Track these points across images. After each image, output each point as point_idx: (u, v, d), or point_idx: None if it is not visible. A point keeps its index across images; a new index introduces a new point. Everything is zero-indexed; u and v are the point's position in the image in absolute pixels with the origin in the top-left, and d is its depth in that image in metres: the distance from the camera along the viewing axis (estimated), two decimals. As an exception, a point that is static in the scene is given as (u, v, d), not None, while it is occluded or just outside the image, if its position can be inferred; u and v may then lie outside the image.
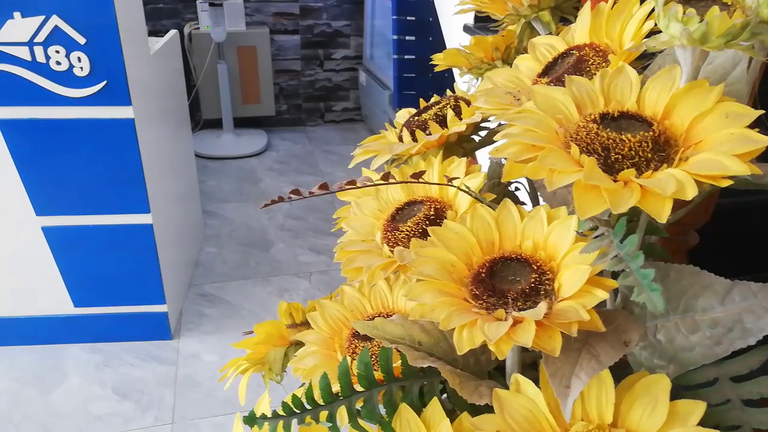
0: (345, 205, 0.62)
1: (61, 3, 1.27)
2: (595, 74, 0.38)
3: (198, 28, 3.01)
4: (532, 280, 0.34)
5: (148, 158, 1.50)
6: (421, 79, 2.16)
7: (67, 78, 1.33)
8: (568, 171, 0.30)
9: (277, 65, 3.29)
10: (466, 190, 0.45)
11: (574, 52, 0.46)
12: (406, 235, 0.49)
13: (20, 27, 1.28)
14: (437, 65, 0.74)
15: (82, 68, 1.32)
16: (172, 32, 1.85)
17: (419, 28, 2.08)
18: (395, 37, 2.08)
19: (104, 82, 1.34)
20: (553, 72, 0.47)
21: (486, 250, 0.40)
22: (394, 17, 2.07)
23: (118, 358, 1.62)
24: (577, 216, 0.33)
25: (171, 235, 1.74)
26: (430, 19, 2.05)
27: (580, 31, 0.47)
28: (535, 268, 0.35)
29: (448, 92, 0.67)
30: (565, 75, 0.39)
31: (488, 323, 0.32)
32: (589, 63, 0.44)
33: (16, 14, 1.27)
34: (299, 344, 0.58)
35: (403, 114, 0.68)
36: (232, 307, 1.86)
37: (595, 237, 0.33)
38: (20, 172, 1.43)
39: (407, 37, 2.09)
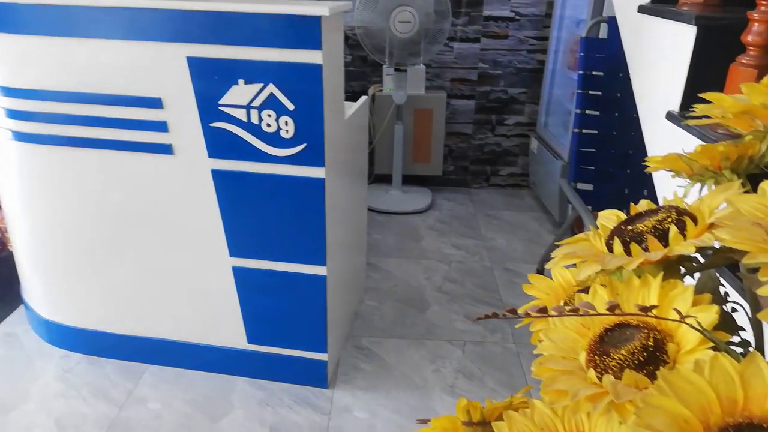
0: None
1: (278, 74, 1.43)
2: None
3: (381, 90, 3.22)
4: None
5: (331, 213, 1.61)
6: (601, 154, 2.07)
7: (274, 138, 1.49)
8: None
9: (449, 128, 3.38)
10: (700, 329, 0.41)
11: None
12: (619, 363, 0.45)
13: (242, 92, 1.47)
14: (650, 166, 0.70)
15: (287, 131, 1.48)
16: (364, 98, 2.00)
17: (605, 104, 2.01)
18: (577, 111, 2.03)
19: (304, 145, 1.48)
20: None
21: (727, 409, 0.35)
22: (579, 91, 2.02)
23: (278, 398, 1.71)
24: None
25: (338, 284, 1.83)
26: (618, 95, 1.97)
27: None
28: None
29: (665, 200, 0.62)
30: None
31: None
32: None
33: (240, 81, 1.46)
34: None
35: (608, 216, 0.64)
36: (386, 365, 1.88)
37: None
38: (223, 217, 1.61)
39: (590, 112, 2.03)
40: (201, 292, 1.74)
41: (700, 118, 0.63)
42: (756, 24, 0.93)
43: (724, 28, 1.03)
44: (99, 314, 1.85)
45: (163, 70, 1.48)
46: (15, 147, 1.70)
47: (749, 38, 0.94)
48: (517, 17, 3.13)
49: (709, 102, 0.58)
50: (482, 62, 3.24)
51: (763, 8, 0.92)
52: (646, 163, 0.72)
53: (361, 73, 3.31)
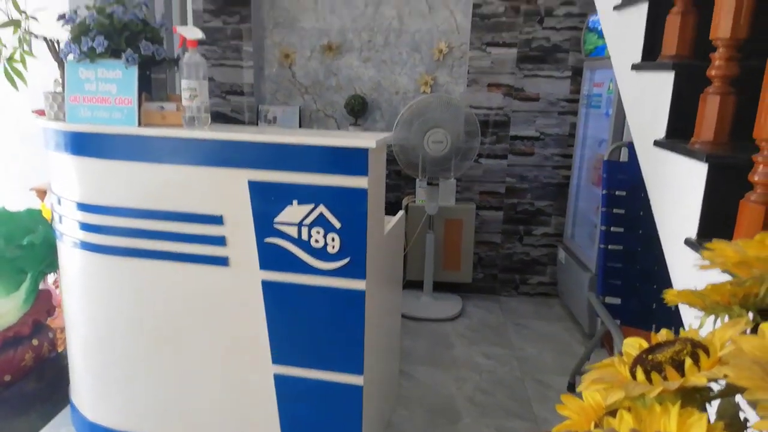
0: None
1: (328, 196, 1.59)
2: None
3: (414, 201, 3.40)
4: None
5: (369, 323, 1.70)
6: (627, 269, 2.15)
7: (321, 253, 1.63)
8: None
9: (478, 237, 3.51)
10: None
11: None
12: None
13: (295, 211, 1.63)
14: (668, 299, 0.79)
15: (334, 246, 1.61)
16: (401, 213, 2.15)
17: (629, 221, 2.12)
18: (603, 227, 2.14)
19: (348, 259, 1.61)
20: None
21: None
22: (603, 209, 2.14)
23: None
24: None
25: (373, 393, 1.88)
26: (641, 213, 2.09)
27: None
28: None
29: (682, 332, 0.71)
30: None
31: None
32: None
33: (294, 202, 1.63)
34: None
35: (632, 344, 0.73)
36: (419, 478, 1.87)
37: None
38: (269, 325, 1.72)
39: (614, 228, 2.14)
40: (243, 398, 1.81)
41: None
42: (761, 166, 1.05)
43: (735, 165, 1.15)
44: (143, 418, 1.92)
45: (226, 191, 1.66)
46: (81, 255, 1.87)
47: (756, 178, 1.06)
48: (542, 137, 3.35)
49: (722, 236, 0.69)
50: (509, 177, 3.43)
51: (766, 152, 1.04)
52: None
53: (395, 186, 3.52)
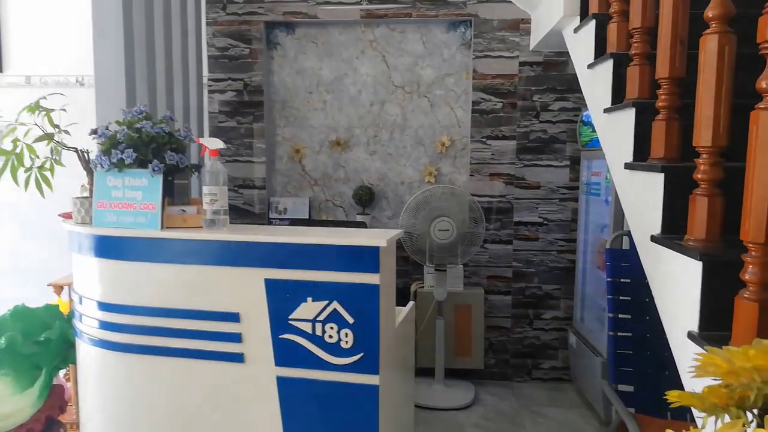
0: None
1: (342, 292, 1.66)
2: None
3: (422, 287, 3.45)
4: None
5: (383, 416, 1.71)
6: (638, 356, 2.16)
7: (334, 349, 1.67)
8: None
9: (488, 321, 3.52)
10: None
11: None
12: None
13: (310, 308, 1.69)
14: (671, 400, 0.83)
15: (347, 342, 1.66)
16: (411, 304, 2.20)
17: (635, 308, 2.16)
18: (610, 315, 2.18)
19: (362, 354, 1.65)
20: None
21: None
22: (609, 296, 2.19)
23: None
24: None
25: (389, 493, 1.85)
26: (647, 299, 2.13)
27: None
28: None
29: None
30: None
31: None
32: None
33: (309, 299, 1.69)
34: None
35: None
36: None
37: None
38: (283, 420, 1.73)
39: (622, 315, 2.17)
40: (256, 498, 1.78)
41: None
42: (750, 266, 1.12)
43: (728, 263, 1.22)
44: None
45: (243, 289, 1.73)
46: (100, 353, 1.92)
47: (747, 277, 1.13)
48: (545, 222, 3.45)
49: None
50: (516, 261, 3.49)
51: (754, 253, 1.11)
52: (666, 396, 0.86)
53: (403, 272, 3.58)
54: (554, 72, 3.38)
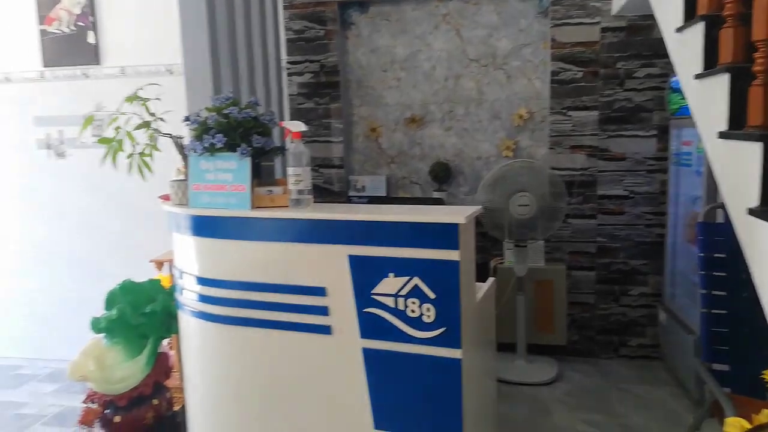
0: None
1: (422, 268, 1.69)
2: None
3: (502, 263, 3.42)
4: None
5: (467, 389, 1.74)
6: (734, 334, 2.05)
7: (416, 323, 1.72)
8: None
9: (571, 297, 3.45)
10: None
11: None
12: None
13: (391, 283, 1.74)
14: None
15: (429, 316, 1.70)
16: (491, 280, 2.21)
17: (732, 284, 2.05)
18: (703, 291, 2.08)
19: (444, 328, 1.69)
20: None
21: None
22: (702, 272, 2.09)
23: None
24: None
25: (472, 463, 1.89)
26: (743, 276, 2.01)
27: None
28: None
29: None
30: None
31: None
32: None
33: (391, 274, 1.74)
34: None
35: (734, 424, 0.75)
36: None
37: None
38: (370, 391, 1.81)
39: (716, 292, 2.07)
40: (345, 463, 1.88)
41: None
42: None
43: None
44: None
45: (328, 265, 1.80)
46: (199, 324, 2.07)
47: None
48: (631, 195, 3.31)
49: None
50: (600, 236, 3.39)
51: None
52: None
53: (482, 248, 3.57)
54: (639, 37, 3.20)
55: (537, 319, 3.41)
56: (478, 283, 2.11)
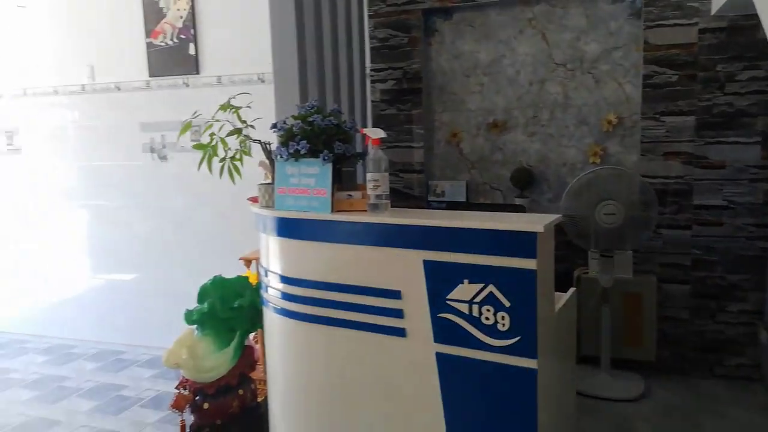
0: None
1: (498, 276, 1.68)
2: None
3: (587, 273, 3.31)
4: None
5: (542, 402, 1.71)
6: None
7: (491, 330, 1.71)
8: None
9: (662, 311, 3.27)
10: None
11: None
12: None
13: (466, 290, 1.74)
14: None
15: (503, 324, 1.68)
16: (572, 290, 2.15)
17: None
18: (811, 310, 1.91)
19: (519, 337, 1.67)
20: None
21: None
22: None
23: None
24: None
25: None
26: None
27: None
28: None
29: None
30: None
31: None
32: None
33: (465, 281, 1.74)
34: None
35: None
36: None
37: None
38: (443, 396, 1.81)
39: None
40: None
41: None
42: None
43: None
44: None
45: (403, 269, 1.83)
46: (280, 320, 2.17)
47: None
48: (731, 205, 3.10)
49: None
50: (695, 248, 3.19)
51: None
52: None
53: (564, 256, 3.47)
54: (741, 38, 2.99)
55: (623, 332, 3.26)
56: (558, 293, 2.06)
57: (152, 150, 4.18)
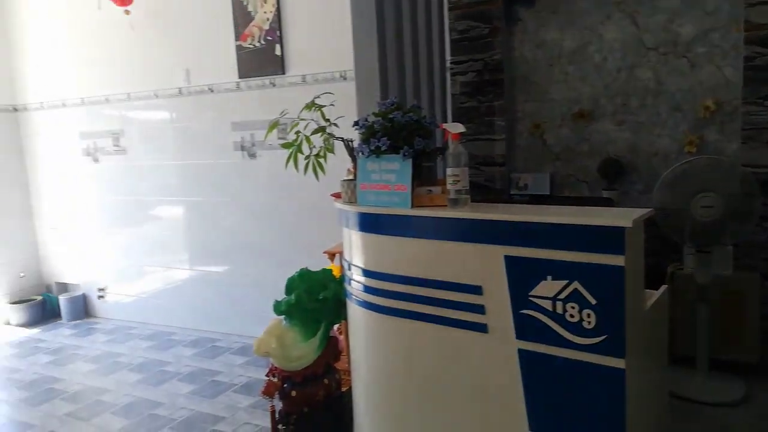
0: None
1: (583, 273, 1.64)
2: None
3: (681, 269, 3.13)
4: None
5: (632, 403, 1.65)
6: None
7: (576, 328, 1.67)
8: None
9: (765, 309, 3.04)
10: None
11: None
12: None
13: (549, 286, 1.71)
14: None
15: (589, 322, 1.64)
16: (664, 288, 2.05)
17: None
18: None
19: (605, 336, 1.62)
20: None
21: None
22: None
23: None
24: None
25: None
26: None
27: None
28: None
29: None
30: None
31: None
32: None
33: (549, 277, 1.71)
34: None
35: None
36: None
37: None
38: (525, 392, 1.80)
39: None
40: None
41: None
42: None
43: None
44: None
45: (484, 264, 1.83)
46: (363, 313, 2.23)
47: None
48: None
49: None
50: (806, 243, 2.94)
51: None
52: None
53: (657, 251, 3.29)
54: None
55: (721, 332, 3.06)
56: (649, 290, 1.98)
57: (242, 148, 4.40)
